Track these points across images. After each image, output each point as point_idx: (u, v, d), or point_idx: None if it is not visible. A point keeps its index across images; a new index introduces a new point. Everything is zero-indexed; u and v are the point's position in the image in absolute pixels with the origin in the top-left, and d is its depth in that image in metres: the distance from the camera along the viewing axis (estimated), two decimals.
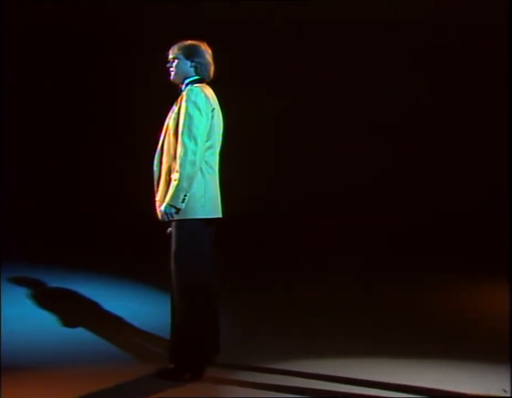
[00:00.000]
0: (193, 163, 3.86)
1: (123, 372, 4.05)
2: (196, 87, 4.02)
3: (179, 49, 4.13)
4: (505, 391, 3.94)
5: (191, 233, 3.96)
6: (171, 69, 4.16)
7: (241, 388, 3.88)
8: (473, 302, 6.15)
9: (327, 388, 3.92)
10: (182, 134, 3.91)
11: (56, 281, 6.14)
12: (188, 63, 4.09)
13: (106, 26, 8.36)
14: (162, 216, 3.94)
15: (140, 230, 7.65)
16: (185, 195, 3.87)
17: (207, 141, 3.96)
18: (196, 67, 4.09)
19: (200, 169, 3.96)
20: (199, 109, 3.93)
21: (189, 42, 4.16)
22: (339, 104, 8.62)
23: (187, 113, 3.92)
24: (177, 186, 3.87)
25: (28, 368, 4.11)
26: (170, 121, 4.06)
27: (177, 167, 3.89)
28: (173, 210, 3.89)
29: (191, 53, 4.10)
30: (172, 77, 4.15)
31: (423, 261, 7.58)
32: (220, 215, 4.09)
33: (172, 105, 4.17)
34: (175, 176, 3.89)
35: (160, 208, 3.96)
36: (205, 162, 3.99)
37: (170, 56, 4.17)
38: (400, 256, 7.72)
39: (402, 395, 3.86)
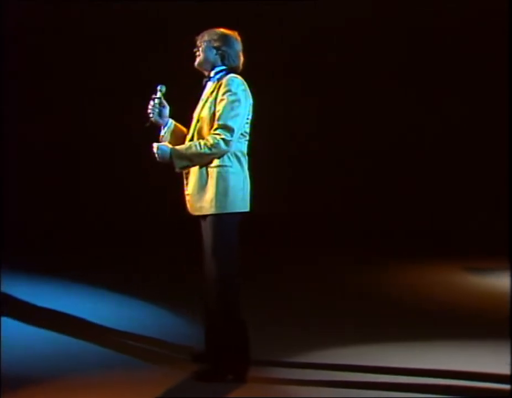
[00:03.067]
0: (222, 152, 3.86)
1: (151, 378, 4.01)
2: (236, 78, 3.95)
3: (208, 35, 4.04)
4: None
5: (230, 227, 3.92)
6: (197, 53, 4.05)
7: (295, 387, 3.92)
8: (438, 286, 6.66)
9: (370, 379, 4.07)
10: (219, 121, 3.86)
11: (54, 290, 6.08)
12: (215, 51, 4.01)
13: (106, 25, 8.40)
14: (156, 152, 3.91)
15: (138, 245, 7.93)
16: (187, 166, 3.92)
17: (242, 131, 3.95)
18: (222, 56, 4.00)
19: (239, 160, 3.96)
20: (239, 101, 3.89)
21: (220, 30, 4.07)
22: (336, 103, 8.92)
23: (227, 103, 3.86)
24: (192, 153, 3.86)
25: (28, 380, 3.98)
26: (203, 110, 3.97)
27: (206, 143, 3.84)
28: (165, 158, 3.88)
29: (219, 41, 4.01)
30: (196, 63, 4.06)
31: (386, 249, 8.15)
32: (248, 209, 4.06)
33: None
34: (201, 146, 3.84)
35: (158, 145, 3.91)
36: (242, 152, 3.99)
37: (198, 42, 4.06)
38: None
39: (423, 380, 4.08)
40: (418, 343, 4.80)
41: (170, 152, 3.94)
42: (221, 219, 3.92)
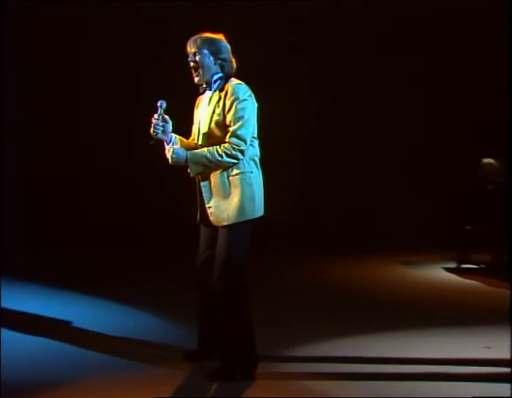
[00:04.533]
0: (238, 161, 3.85)
1: (153, 379, 3.97)
2: (241, 84, 3.92)
3: (203, 43, 3.92)
4: (488, 347, 4.59)
5: (247, 233, 3.92)
6: (194, 66, 3.95)
7: (307, 381, 3.95)
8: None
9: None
10: (232, 130, 3.83)
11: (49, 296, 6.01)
12: (214, 60, 3.94)
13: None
14: (171, 156, 3.84)
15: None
16: (203, 172, 3.87)
17: (254, 136, 3.96)
18: (221, 65, 3.94)
19: (256, 164, 3.97)
20: (248, 108, 3.88)
21: (211, 35, 3.97)
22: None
23: (237, 112, 3.84)
24: (210, 160, 3.81)
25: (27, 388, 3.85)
26: (212, 123, 3.91)
27: (225, 151, 3.80)
28: (180, 162, 3.82)
29: (215, 49, 3.93)
30: (197, 79, 3.97)
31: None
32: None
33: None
34: (220, 154, 3.80)
35: (174, 149, 3.83)
36: (257, 155, 3.99)
37: (192, 50, 3.95)
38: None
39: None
40: (400, 333, 5.02)
41: (186, 156, 3.89)
42: (247, 225, 3.92)
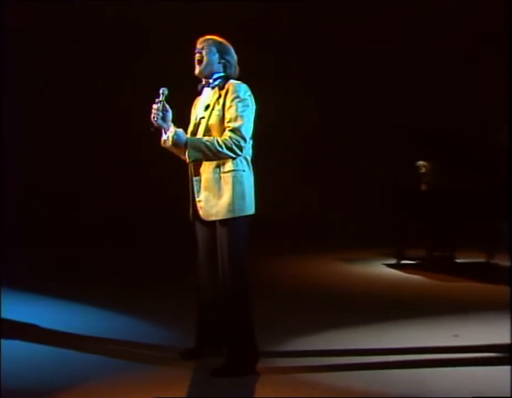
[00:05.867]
0: (235, 156, 3.99)
1: (156, 378, 4.04)
2: (241, 83, 4.10)
3: (213, 42, 4.15)
4: (456, 336, 4.93)
5: (245, 229, 4.07)
6: (198, 58, 4.13)
7: (307, 374, 4.11)
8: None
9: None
10: (232, 126, 3.98)
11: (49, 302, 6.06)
12: (218, 59, 4.14)
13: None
14: (171, 136, 3.97)
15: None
16: (199, 159, 4.01)
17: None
18: (224, 65, 4.15)
19: (248, 163, 4.12)
20: (248, 106, 4.05)
21: (220, 39, 4.19)
22: None
23: (238, 109, 4.01)
24: (209, 149, 3.94)
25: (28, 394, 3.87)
26: (212, 118, 4.06)
27: (226, 143, 3.94)
28: (179, 144, 3.97)
29: (222, 50, 4.15)
30: (197, 70, 4.14)
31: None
32: None
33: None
34: (220, 145, 3.94)
35: (176, 130, 3.99)
36: (249, 155, 4.15)
37: (200, 45, 4.15)
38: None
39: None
40: (376, 325, 5.31)
41: (186, 141, 4.02)
42: (239, 222, 4.06)
